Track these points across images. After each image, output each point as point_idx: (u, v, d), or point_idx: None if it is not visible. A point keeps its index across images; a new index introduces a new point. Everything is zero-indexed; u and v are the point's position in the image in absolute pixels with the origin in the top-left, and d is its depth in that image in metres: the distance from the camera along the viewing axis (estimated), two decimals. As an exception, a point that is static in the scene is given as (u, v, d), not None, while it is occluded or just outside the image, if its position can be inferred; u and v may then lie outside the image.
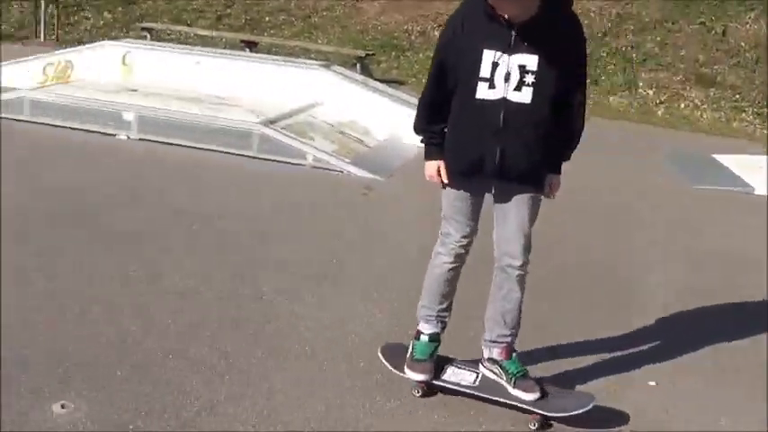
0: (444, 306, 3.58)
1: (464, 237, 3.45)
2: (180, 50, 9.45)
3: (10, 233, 4.85)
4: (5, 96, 8.01)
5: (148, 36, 12.19)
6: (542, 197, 3.40)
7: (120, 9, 14.22)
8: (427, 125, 3.42)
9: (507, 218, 3.36)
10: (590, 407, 3.40)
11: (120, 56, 9.14)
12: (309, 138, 7.59)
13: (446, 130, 3.37)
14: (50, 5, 12.92)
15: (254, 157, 7.25)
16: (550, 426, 3.43)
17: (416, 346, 3.56)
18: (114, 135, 7.60)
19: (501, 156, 3.20)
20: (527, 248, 3.38)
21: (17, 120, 7.78)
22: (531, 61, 3.10)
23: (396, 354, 3.66)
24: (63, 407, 3.23)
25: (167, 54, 9.27)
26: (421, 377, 3.51)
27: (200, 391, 3.43)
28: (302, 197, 6.41)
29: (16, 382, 3.35)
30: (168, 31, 13.06)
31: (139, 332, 3.89)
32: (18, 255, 4.60)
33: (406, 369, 3.54)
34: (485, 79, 3.14)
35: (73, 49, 10.10)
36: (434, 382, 3.54)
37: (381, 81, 10.49)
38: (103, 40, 12.88)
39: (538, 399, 3.42)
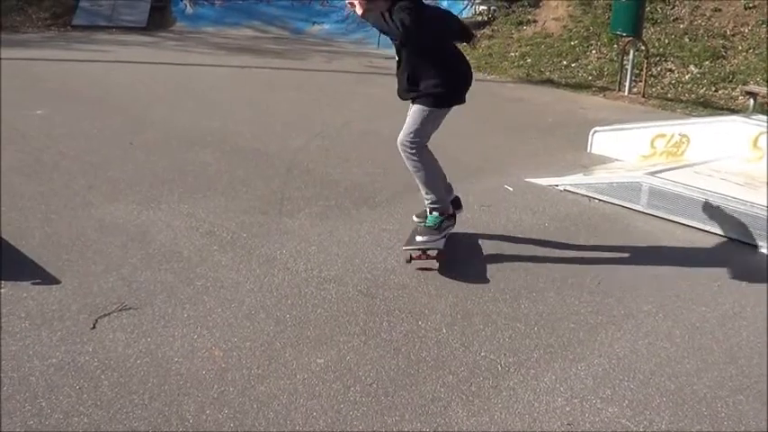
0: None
1: None
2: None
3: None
4: (618, 179, 7.05)
5: (752, 102, 10.48)
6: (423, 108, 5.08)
7: (707, 63, 12.76)
8: None
9: None
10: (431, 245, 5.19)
11: (750, 136, 7.58)
12: None
13: None
14: (635, 53, 11.95)
15: None
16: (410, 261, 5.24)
17: None
18: (756, 246, 6.14)
19: (398, 91, 5.26)
20: (406, 135, 5.05)
21: (629, 208, 6.80)
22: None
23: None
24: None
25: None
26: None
27: None
28: None
29: None
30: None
31: None
32: None
33: None
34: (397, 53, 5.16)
35: (688, 120, 8.86)
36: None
37: None
38: (687, 97, 11.76)
39: (419, 240, 5.19)
